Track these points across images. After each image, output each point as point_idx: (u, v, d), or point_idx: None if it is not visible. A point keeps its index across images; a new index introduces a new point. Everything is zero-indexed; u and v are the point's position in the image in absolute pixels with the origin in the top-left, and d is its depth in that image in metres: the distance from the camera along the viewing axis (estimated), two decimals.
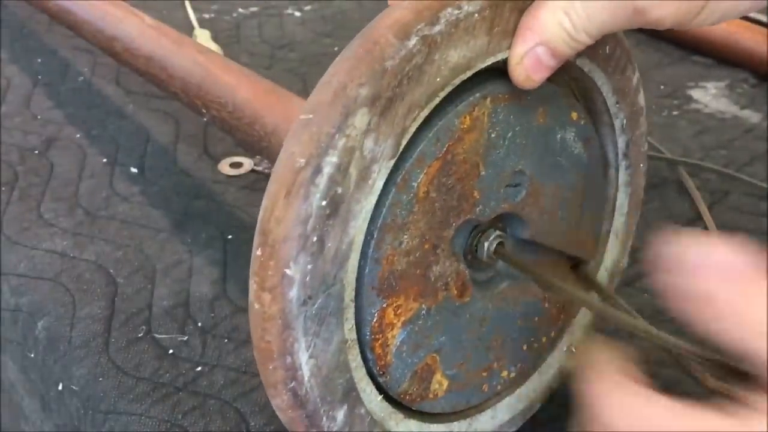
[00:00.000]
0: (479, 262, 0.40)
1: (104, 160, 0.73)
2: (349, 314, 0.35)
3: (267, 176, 0.71)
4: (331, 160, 0.31)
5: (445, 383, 0.40)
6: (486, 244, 0.39)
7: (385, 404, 0.38)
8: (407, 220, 0.35)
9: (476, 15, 0.33)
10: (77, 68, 0.88)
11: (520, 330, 0.43)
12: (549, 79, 0.36)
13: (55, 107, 0.81)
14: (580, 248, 0.44)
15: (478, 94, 0.35)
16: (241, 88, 0.53)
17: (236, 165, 0.72)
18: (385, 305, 0.36)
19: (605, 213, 0.45)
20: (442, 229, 0.37)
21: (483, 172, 0.37)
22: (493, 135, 0.36)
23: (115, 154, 0.74)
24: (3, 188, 0.69)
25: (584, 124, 0.40)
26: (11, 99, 0.82)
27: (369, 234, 0.34)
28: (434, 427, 0.41)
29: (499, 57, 0.35)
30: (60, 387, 0.53)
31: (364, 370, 0.37)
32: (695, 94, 0.86)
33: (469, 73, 0.34)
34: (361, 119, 0.31)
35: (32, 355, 0.57)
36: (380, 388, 0.38)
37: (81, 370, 0.53)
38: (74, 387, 0.52)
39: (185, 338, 0.55)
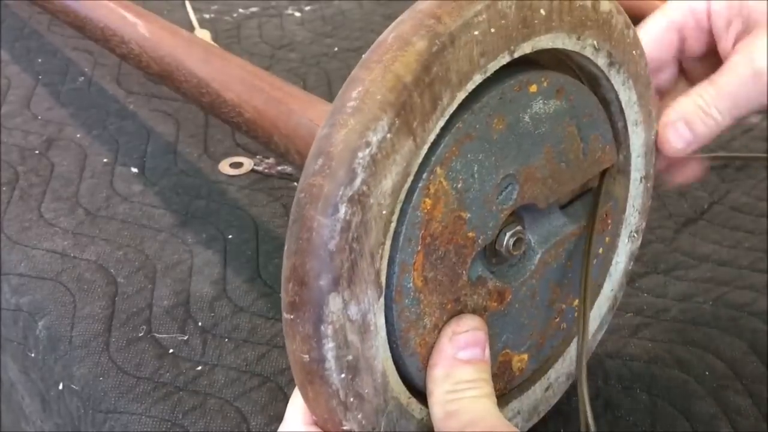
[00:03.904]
0: (506, 258, 0.40)
1: (105, 160, 0.73)
2: (413, 405, 0.37)
3: (267, 176, 0.71)
4: (329, 345, 0.33)
5: (525, 356, 0.43)
6: (504, 249, 0.39)
7: None
8: (420, 310, 0.36)
9: (388, 135, 0.32)
10: (78, 68, 0.88)
11: (572, 267, 0.44)
12: (489, 81, 0.35)
13: (55, 107, 0.81)
14: (598, 165, 0.43)
15: (425, 175, 0.34)
16: (246, 108, 0.53)
17: (236, 165, 0.72)
18: None
19: (614, 115, 0.44)
20: (454, 284, 0.37)
21: (468, 215, 0.37)
22: (459, 185, 0.36)
23: (115, 154, 0.74)
24: (4, 188, 0.69)
25: (548, 86, 0.39)
26: (12, 99, 0.82)
27: (393, 343, 0.36)
28: (536, 384, 0.45)
29: (430, 140, 0.34)
30: (60, 386, 0.53)
31: None
32: None
33: (408, 183, 0.33)
34: (334, 304, 0.32)
35: (33, 355, 0.57)
36: None
37: (81, 370, 0.53)
38: (75, 386, 0.52)
39: (185, 338, 0.55)
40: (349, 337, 0.33)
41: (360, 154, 0.31)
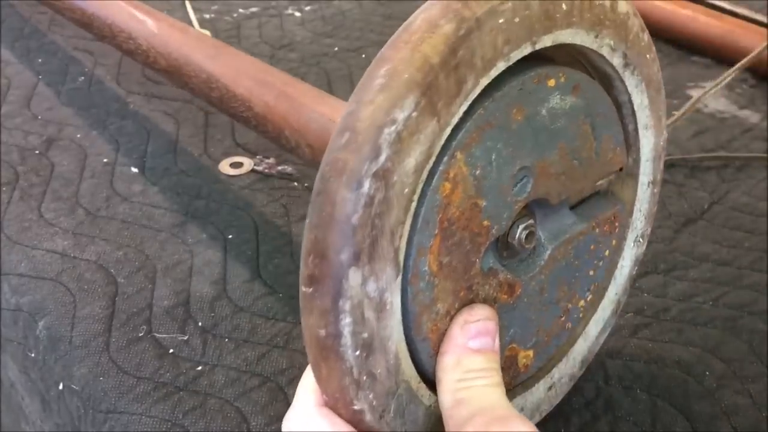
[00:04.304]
0: (518, 251, 0.40)
1: (105, 160, 0.73)
2: (422, 390, 0.37)
3: (267, 176, 0.71)
4: (346, 321, 0.33)
5: (531, 353, 0.43)
6: (516, 241, 0.40)
7: None
8: (433, 295, 0.36)
9: (414, 114, 0.32)
10: (78, 68, 0.88)
11: (580, 266, 0.44)
12: (509, 73, 0.36)
13: (55, 107, 0.81)
14: (609, 166, 0.44)
15: (446, 158, 0.35)
16: (257, 103, 0.53)
17: (236, 165, 0.72)
18: None
19: (625, 117, 0.44)
20: (468, 272, 0.37)
21: (484, 203, 0.37)
22: (478, 172, 0.36)
23: (115, 154, 0.74)
24: (4, 188, 0.69)
25: (565, 81, 0.39)
26: (12, 99, 0.82)
27: (406, 327, 0.36)
28: (540, 383, 0.45)
29: (453, 123, 0.34)
30: (60, 386, 0.53)
31: None
32: (695, 93, 0.86)
33: (429, 164, 0.34)
34: (354, 279, 0.32)
35: (33, 355, 0.57)
36: None
37: (81, 370, 0.53)
38: (75, 386, 0.52)
39: (186, 338, 0.55)
40: (366, 314, 0.33)
41: (386, 131, 0.32)
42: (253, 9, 1.04)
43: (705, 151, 0.76)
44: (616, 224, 0.45)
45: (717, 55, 0.92)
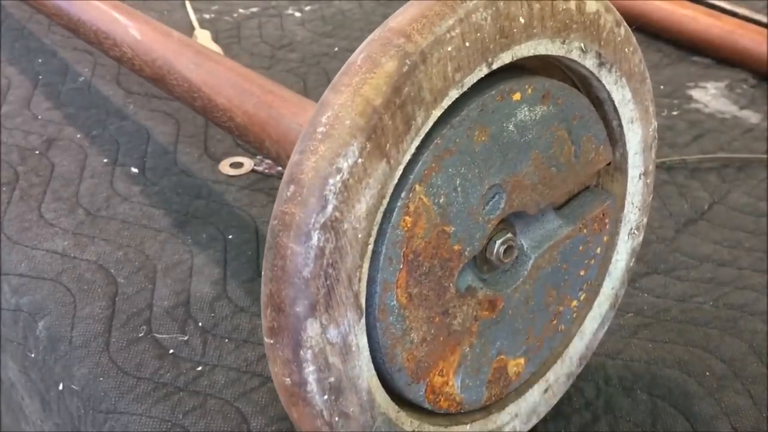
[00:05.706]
0: (497, 265, 0.40)
1: (105, 160, 0.73)
2: (402, 418, 0.37)
3: (267, 176, 0.71)
4: (309, 369, 0.33)
5: (522, 361, 0.43)
6: (495, 257, 0.39)
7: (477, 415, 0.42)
8: (405, 326, 0.36)
9: (360, 160, 0.32)
10: (78, 69, 0.88)
11: (569, 269, 0.43)
12: (469, 94, 0.35)
13: (55, 108, 0.81)
14: (593, 166, 0.43)
15: (404, 194, 0.34)
16: (237, 113, 0.53)
17: (236, 165, 0.72)
18: (428, 381, 0.38)
19: (608, 113, 0.44)
20: (441, 297, 0.37)
21: (452, 229, 0.36)
22: (441, 200, 0.35)
23: (115, 154, 0.74)
24: (4, 188, 0.69)
25: (532, 92, 0.38)
26: (12, 99, 0.82)
27: (379, 360, 0.36)
28: (534, 387, 0.45)
29: (405, 160, 0.33)
30: (60, 387, 0.53)
31: (443, 419, 0.40)
32: (695, 94, 0.86)
33: (384, 205, 0.33)
34: (312, 329, 0.32)
35: (33, 355, 0.57)
36: (461, 413, 0.41)
37: (81, 370, 0.53)
38: (75, 387, 0.52)
39: (186, 338, 0.55)
40: (330, 360, 0.33)
41: (331, 181, 0.31)
42: (253, 9, 1.04)
43: (705, 152, 0.76)
44: (606, 221, 0.45)
45: (717, 55, 0.92)
